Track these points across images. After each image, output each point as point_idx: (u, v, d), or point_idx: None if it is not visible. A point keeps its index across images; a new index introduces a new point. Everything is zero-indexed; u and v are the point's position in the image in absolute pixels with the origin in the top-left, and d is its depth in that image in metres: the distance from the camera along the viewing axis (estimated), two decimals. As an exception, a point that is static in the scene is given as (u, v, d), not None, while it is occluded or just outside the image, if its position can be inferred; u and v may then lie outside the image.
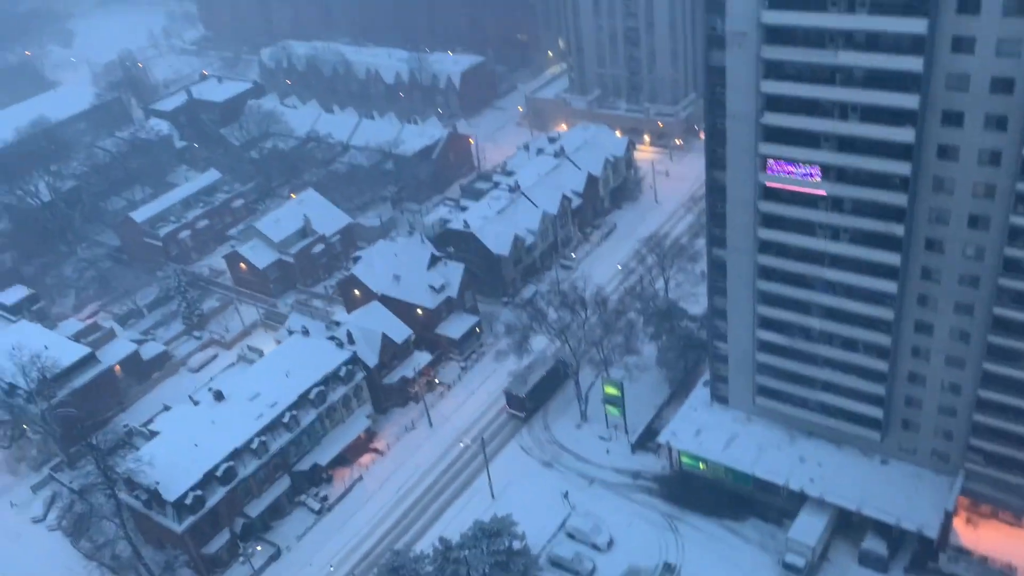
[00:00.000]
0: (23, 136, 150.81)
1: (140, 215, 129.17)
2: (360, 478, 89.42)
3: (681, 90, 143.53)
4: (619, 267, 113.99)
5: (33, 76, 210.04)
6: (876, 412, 70.84)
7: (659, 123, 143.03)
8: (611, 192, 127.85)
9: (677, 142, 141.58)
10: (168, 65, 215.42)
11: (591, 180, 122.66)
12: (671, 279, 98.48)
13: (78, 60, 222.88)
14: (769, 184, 64.96)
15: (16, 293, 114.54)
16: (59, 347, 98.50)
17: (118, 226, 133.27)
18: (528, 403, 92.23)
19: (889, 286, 63.77)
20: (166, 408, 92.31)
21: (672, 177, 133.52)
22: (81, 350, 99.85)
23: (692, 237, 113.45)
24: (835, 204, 63.37)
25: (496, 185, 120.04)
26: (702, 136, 75.74)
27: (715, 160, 67.98)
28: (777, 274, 69.30)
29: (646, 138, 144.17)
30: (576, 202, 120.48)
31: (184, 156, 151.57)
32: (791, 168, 63.29)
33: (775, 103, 61.71)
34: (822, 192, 63.01)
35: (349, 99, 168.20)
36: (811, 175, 62.81)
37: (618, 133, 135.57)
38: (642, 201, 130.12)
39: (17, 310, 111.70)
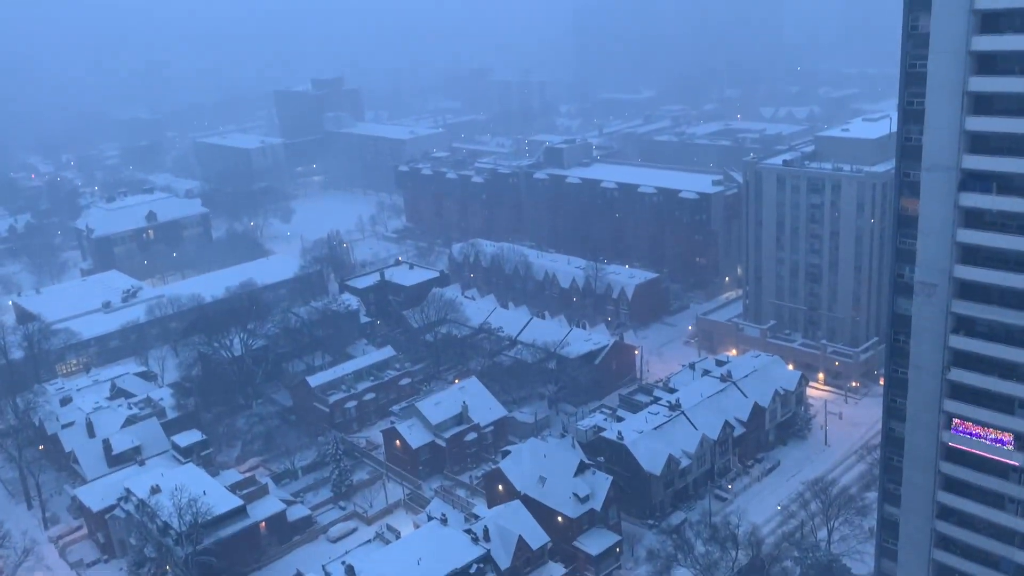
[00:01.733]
0: (230, 295, 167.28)
1: (315, 380, 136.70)
2: None
3: (862, 332, 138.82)
4: (779, 507, 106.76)
5: (252, 244, 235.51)
6: None
7: (836, 362, 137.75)
8: (777, 426, 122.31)
9: (854, 384, 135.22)
10: (368, 247, 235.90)
11: (757, 410, 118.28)
12: (835, 531, 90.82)
13: (292, 234, 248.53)
14: (953, 444, 60.06)
15: (190, 437, 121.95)
16: (216, 494, 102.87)
17: (293, 387, 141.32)
18: None
19: (1095, 584, 55.74)
20: (298, 574, 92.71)
21: (845, 420, 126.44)
22: (234, 501, 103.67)
23: (862, 488, 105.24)
24: (1031, 478, 57.45)
25: (656, 400, 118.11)
26: (882, 382, 72.00)
27: (894, 410, 64.26)
28: (957, 546, 62.47)
29: (820, 376, 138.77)
30: (739, 431, 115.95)
31: (366, 330, 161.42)
32: (979, 431, 58.45)
33: (965, 360, 58.23)
34: (1015, 463, 57.37)
35: (524, 297, 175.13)
36: (1002, 442, 57.61)
37: (790, 366, 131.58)
38: (810, 441, 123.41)
39: (188, 453, 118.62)
